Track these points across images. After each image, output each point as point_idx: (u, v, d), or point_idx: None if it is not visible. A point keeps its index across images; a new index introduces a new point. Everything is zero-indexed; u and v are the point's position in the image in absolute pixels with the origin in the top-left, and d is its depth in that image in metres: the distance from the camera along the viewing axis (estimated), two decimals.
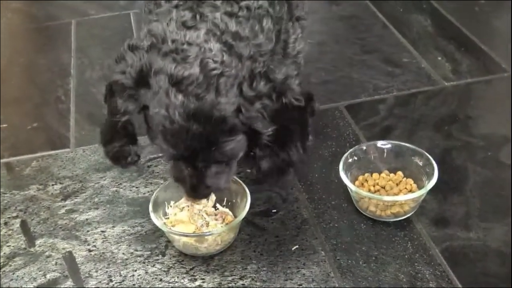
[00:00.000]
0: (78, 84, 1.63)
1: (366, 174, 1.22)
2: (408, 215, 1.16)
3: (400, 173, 1.21)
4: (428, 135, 1.36)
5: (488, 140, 1.34)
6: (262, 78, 0.99)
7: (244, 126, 0.97)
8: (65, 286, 1.09)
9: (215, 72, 0.94)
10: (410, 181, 1.19)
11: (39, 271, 1.12)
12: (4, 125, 1.49)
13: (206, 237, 1.09)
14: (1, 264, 1.13)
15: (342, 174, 1.16)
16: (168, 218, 1.15)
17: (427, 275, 1.05)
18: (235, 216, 1.14)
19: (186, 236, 1.09)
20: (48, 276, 1.11)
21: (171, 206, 1.17)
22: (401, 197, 1.13)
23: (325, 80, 1.58)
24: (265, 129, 0.98)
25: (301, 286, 1.06)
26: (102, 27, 1.90)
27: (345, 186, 1.23)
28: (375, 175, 1.22)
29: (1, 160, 1.38)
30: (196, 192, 1.05)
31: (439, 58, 1.63)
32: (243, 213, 1.11)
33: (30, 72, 1.73)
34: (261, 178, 1.09)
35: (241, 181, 1.16)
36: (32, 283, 1.09)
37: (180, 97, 0.94)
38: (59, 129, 1.47)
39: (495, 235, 1.12)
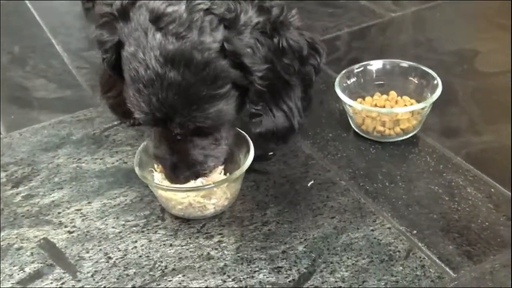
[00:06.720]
0: None
1: (359, 99, 1.11)
2: (416, 131, 1.07)
3: (393, 92, 1.12)
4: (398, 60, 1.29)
5: (459, 55, 1.30)
6: (254, 7, 0.85)
7: (233, 73, 0.82)
8: (55, 275, 0.87)
9: (201, 7, 0.80)
10: (407, 98, 1.11)
11: (13, 266, 0.89)
12: None
13: (215, 189, 0.92)
14: None
15: (343, 95, 1.05)
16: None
17: (460, 182, 0.97)
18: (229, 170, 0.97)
19: (193, 190, 0.91)
20: (27, 269, 0.88)
21: (156, 170, 0.97)
22: (416, 106, 1.04)
23: None
24: (257, 66, 0.84)
25: (334, 218, 0.93)
26: None
27: (337, 118, 1.14)
28: (368, 98, 1.12)
29: None
30: (174, 172, 0.89)
31: None
32: (249, 156, 0.93)
33: None
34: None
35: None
36: (9, 281, 0.87)
37: (158, 36, 0.79)
38: None
39: (509, 133, 1.06)
